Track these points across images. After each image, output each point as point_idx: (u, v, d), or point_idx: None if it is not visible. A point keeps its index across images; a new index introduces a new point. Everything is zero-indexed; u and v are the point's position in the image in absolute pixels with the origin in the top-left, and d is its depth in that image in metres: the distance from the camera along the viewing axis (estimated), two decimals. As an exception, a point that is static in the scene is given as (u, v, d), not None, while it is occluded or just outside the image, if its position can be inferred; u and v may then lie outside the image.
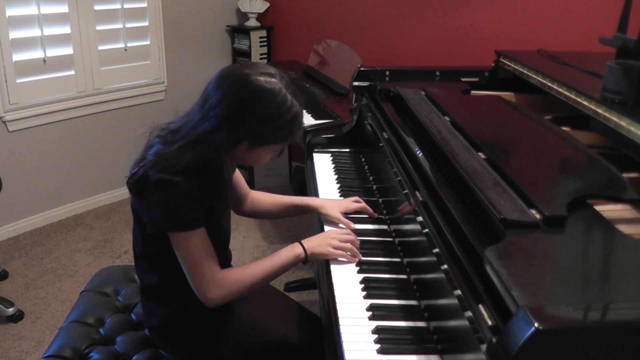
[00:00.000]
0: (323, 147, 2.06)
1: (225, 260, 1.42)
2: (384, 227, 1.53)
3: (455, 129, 1.39)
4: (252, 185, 2.95)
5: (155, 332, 1.40)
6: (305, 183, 2.01)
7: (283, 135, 1.27)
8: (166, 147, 1.23)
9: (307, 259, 1.35)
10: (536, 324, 0.68)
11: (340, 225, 1.52)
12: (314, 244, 1.36)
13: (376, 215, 1.57)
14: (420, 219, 1.21)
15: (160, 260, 1.32)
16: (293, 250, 1.35)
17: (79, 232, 3.07)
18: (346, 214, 1.55)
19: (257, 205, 1.62)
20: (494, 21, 2.80)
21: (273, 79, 1.23)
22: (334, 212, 1.54)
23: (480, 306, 0.86)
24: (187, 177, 1.21)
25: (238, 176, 1.55)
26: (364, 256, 1.38)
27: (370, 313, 1.17)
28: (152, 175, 1.20)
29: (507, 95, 1.80)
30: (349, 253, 1.36)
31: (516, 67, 1.81)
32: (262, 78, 1.21)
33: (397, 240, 1.44)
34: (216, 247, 1.31)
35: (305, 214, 1.65)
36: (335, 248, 1.35)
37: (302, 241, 1.37)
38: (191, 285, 1.27)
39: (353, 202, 1.58)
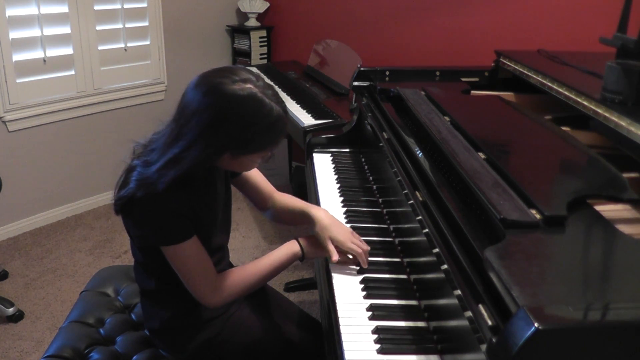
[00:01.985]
0: (323, 147, 2.06)
1: (222, 266, 1.42)
2: (384, 226, 1.53)
3: (455, 129, 1.39)
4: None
5: (155, 334, 1.41)
6: (305, 183, 2.01)
7: (265, 141, 1.20)
8: (146, 170, 1.19)
9: (304, 256, 1.36)
10: (536, 324, 0.68)
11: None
12: (311, 241, 1.36)
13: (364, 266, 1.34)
14: (420, 218, 1.21)
15: (156, 267, 1.31)
16: (290, 248, 1.35)
17: (79, 232, 3.07)
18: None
19: (281, 212, 1.50)
20: (494, 21, 2.80)
21: (248, 85, 1.15)
22: (324, 238, 1.34)
23: (480, 306, 0.86)
24: (171, 193, 1.18)
25: (255, 176, 1.48)
26: (364, 256, 1.38)
27: (370, 313, 1.17)
28: (137, 195, 1.18)
29: (507, 95, 1.79)
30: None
31: (516, 67, 1.81)
32: (236, 86, 1.14)
33: (397, 240, 1.44)
34: (219, 247, 1.31)
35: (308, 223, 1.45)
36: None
37: (300, 238, 1.37)
38: (190, 292, 1.27)
39: (353, 244, 1.33)
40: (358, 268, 1.33)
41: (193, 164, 1.17)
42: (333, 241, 1.33)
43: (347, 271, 1.33)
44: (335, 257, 1.31)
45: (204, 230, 1.27)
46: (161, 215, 1.19)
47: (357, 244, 1.33)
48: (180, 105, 1.20)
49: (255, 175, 1.49)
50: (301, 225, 1.48)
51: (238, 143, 1.17)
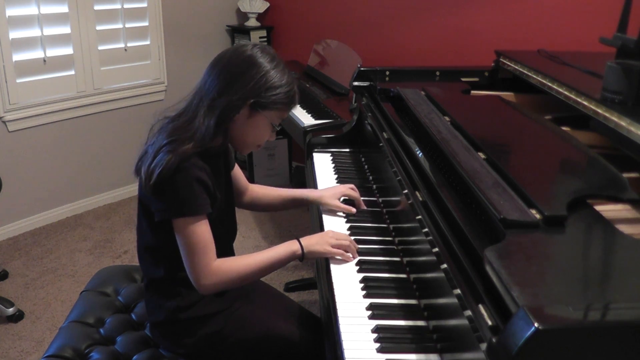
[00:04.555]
0: (323, 147, 2.06)
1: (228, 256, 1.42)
2: (384, 226, 1.53)
3: (455, 129, 1.39)
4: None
5: (157, 329, 1.41)
6: (305, 183, 2.01)
7: (279, 93, 1.30)
8: (180, 130, 1.27)
9: (304, 256, 1.36)
10: (536, 324, 0.68)
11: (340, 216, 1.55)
12: (311, 241, 1.37)
13: (361, 208, 1.61)
14: (420, 218, 1.21)
15: (167, 252, 1.33)
16: (290, 247, 1.36)
17: (79, 232, 3.07)
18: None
19: (257, 199, 1.66)
20: (494, 21, 2.80)
21: (263, 51, 1.32)
22: (333, 201, 1.60)
23: (480, 306, 0.86)
24: (194, 162, 1.25)
25: (237, 171, 1.58)
26: (363, 255, 1.38)
27: (370, 312, 1.17)
28: (161, 159, 1.23)
29: (507, 95, 1.79)
30: (347, 252, 1.36)
31: (516, 67, 1.81)
32: (255, 48, 1.31)
33: (396, 239, 1.44)
34: (221, 238, 1.32)
35: (304, 206, 1.70)
36: (333, 246, 1.36)
37: (301, 239, 1.38)
38: (187, 271, 1.29)
39: (349, 189, 1.62)
40: (358, 267, 1.34)
41: (225, 110, 1.27)
42: (340, 195, 1.60)
43: (347, 270, 1.33)
44: (352, 209, 1.58)
45: (217, 207, 1.32)
46: (183, 182, 1.24)
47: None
48: (204, 76, 1.33)
49: (237, 168, 1.60)
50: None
51: (256, 90, 1.28)
